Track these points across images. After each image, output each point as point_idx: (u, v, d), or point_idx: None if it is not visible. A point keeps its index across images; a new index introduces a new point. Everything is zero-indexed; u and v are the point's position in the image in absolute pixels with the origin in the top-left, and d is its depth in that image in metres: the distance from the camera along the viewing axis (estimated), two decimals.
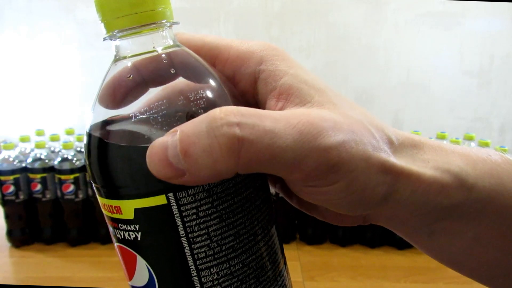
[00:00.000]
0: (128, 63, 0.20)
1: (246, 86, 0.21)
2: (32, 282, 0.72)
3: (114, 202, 0.19)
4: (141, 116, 0.18)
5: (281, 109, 0.19)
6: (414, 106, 1.83)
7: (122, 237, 0.20)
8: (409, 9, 1.59)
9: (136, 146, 0.18)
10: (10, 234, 0.83)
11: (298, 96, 0.19)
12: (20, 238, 0.84)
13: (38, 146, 0.82)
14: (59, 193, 0.81)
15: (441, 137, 0.91)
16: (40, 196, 0.82)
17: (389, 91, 1.82)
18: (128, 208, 0.19)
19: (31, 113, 1.79)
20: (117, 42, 0.20)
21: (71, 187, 0.80)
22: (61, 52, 1.75)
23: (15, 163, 0.81)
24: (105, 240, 0.85)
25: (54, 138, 0.87)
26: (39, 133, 0.91)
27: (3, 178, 0.80)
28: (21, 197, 0.81)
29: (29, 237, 0.84)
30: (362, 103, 1.83)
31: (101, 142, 0.19)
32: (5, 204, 0.82)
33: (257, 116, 0.17)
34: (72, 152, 0.81)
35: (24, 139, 0.86)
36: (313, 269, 0.76)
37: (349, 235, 0.85)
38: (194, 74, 0.20)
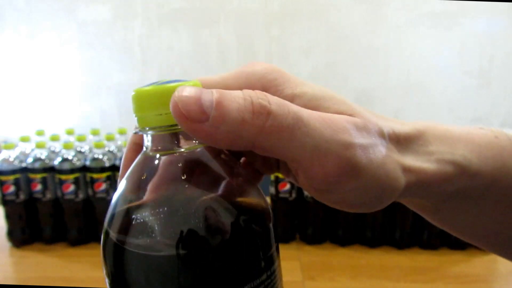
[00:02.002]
0: (155, 160, 0.21)
1: None
2: (32, 282, 0.73)
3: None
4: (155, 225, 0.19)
5: None
6: (414, 106, 1.83)
7: None
8: (409, 9, 1.59)
9: (143, 255, 0.18)
10: (10, 234, 0.83)
11: (316, 108, 0.19)
12: (20, 238, 0.84)
13: (38, 146, 0.82)
14: (59, 193, 0.81)
15: None
16: (40, 196, 0.82)
17: (389, 91, 1.82)
18: None
19: (31, 113, 1.79)
20: (148, 137, 0.21)
21: (71, 187, 0.80)
22: (61, 52, 1.75)
23: (15, 163, 0.81)
24: None
25: (54, 138, 0.87)
26: (39, 133, 0.91)
27: (3, 178, 0.80)
28: (21, 197, 0.81)
29: (29, 237, 0.84)
30: (362, 103, 1.82)
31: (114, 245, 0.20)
32: (5, 204, 0.82)
33: (283, 102, 0.17)
34: (72, 152, 0.81)
35: (24, 139, 0.86)
36: (313, 269, 0.76)
37: (349, 235, 0.85)
38: (208, 177, 0.20)
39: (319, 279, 0.73)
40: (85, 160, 0.82)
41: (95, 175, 0.80)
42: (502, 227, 0.24)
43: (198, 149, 0.21)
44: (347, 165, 0.18)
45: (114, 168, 0.82)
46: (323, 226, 0.85)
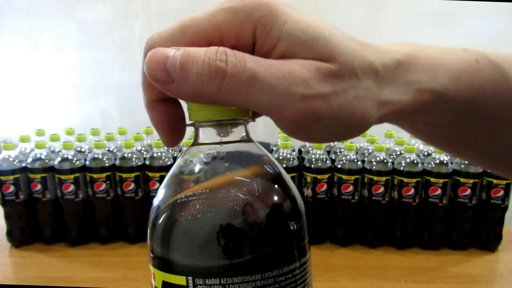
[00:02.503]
0: (200, 154, 0.23)
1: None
2: (32, 282, 0.72)
3: (152, 269, 0.22)
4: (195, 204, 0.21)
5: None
6: None
7: None
8: (409, 9, 1.59)
9: (178, 229, 0.21)
10: (10, 234, 0.83)
11: (295, 54, 0.20)
12: (20, 238, 0.84)
13: (38, 146, 0.82)
14: (59, 193, 0.81)
15: None
16: (40, 196, 0.82)
17: None
18: (158, 278, 0.22)
19: (31, 113, 1.79)
20: (198, 130, 0.23)
21: (71, 187, 0.80)
22: (61, 52, 1.75)
23: (15, 163, 0.81)
24: (105, 240, 0.85)
25: (54, 138, 0.87)
26: (39, 133, 0.91)
27: (3, 178, 0.80)
28: (21, 197, 0.81)
29: (29, 237, 0.84)
30: None
31: (161, 216, 0.22)
32: (5, 204, 0.82)
33: (242, 58, 0.19)
34: (72, 152, 0.81)
35: (24, 139, 0.86)
36: (313, 269, 0.76)
37: (349, 235, 0.85)
38: (248, 170, 0.23)
39: (319, 279, 0.73)
40: (85, 160, 0.82)
41: (95, 175, 0.80)
42: (475, 135, 0.26)
43: (242, 142, 0.23)
44: (304, 115, 0.19)
45: (114, 168, 0.82)
46: (323, 226, 0.85)
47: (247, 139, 0.24)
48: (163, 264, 0.21)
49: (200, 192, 0.21)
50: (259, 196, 0.22)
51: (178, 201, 0.22)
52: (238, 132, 0.23)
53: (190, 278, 0.20)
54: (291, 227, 0.22)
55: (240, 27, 0.19)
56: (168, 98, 0.22)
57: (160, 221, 0.22)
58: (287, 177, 0.24)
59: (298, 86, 0.19)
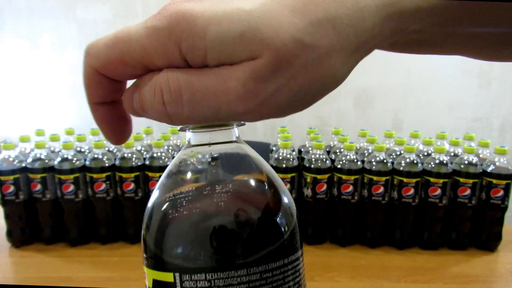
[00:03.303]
0: (191, 157, 0.24)
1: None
2: (32, 282, 0.73)
3: (145, 269, 0.24)
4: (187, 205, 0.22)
5: None
6: (414, 106, 1.83)
7: None
8: None
9: (165, 227, 0.22)
10: (10, 234, 0.83)
11: (225, 53, 0.18)
12: (20, 238, 0.84)
13: (38, 146, 0.82)
14: (59, 193, 0.81)
15: (441, 137, 0.91)
16: (40, 196, 0.82)
17: (389, 91, 1.82)
18: (150, 276, 0.23)
19: (31, 113, 1.79)
20: (189, 134, 0.25)
21: (71, 187, 0.80)
22: (61, 52, 1.75)
23: (15, 163, 0.81)
24: (105, 240, 0.85)
25: (54, 138, 0.87)
26: (39, 133, 0.91)
27: (3, 178, 0.80)
28: (21, 197, 0.81)
29: (29, 237, 0.84)
30: (362, 103, 1.83)
31: (152, 216, 0.24)
32: (5, 204, 0.82)
33: (178, 89, 0.19)
34: (72, 152, 0.81)
35: (24, 139, 0.86)
36: (313, 269, 0.76)
37: (349, 235, 0.85)
38: (238, 170, 0.24)
39: (319, 279, 0.73)
40: (85, 160, 0.82)
41: (95, 175, 0.80)
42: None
43: (233, 145, 0.24)
44: (263, 116, 0.20)
45: (114, 168, 0.82)
46: (323, 226, 0.85)
47: (237, 141, 0.24)
48: (153, 262, 0.22)
49: (186, 193, 0.22)
50: (245, 195, 0.22)
51: (166, 201, 0.22)
52: (228, 135, 0.24)
53: (177, 274, 0.21)
54: (279, 226, 0.22)
55: (165, 48, 0.18)
56: (110, 100, 0.23)
57: (150, 221, 0.23)
58: (276, 177, 0.24)
59: (237, 105, 0.19)
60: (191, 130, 0.24)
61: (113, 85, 0.22)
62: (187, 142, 0.25)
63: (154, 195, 0.24)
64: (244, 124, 0.24)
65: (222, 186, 0.22)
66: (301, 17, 0.18)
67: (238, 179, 0.23)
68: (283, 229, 0.22)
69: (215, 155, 0.23)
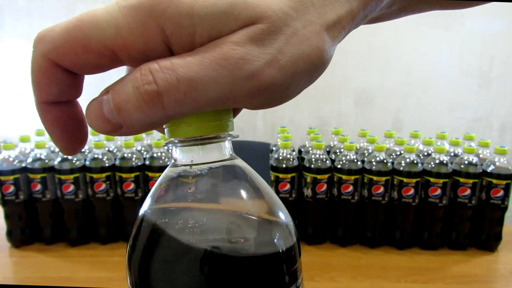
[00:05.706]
0: (175, 179, 0.22)
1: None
2: (32, 282, 0.72)
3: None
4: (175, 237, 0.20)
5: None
6: (414, 106, 1.83)
7: None
8: None
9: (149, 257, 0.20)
10: (10, 234, 0.83)
11: (219, 34, 0.18)
12: (20, 238, 0.84)
13: (38, 146, 0.82)
14: (59, 193, 0.81)
15: (441, 137, 0.91)
16: (40, 196, 0.82)
17: (389, 91, 1.82)
18: None
19: (31, 113, 1.79)
20: (175, 149, 0.21)
21: (71, 187, 0.80)
22: None
23: (15, 163, 0.81)
24: (105, 240, 0.85)
25: None
26: (39, 133, 0.91)
27: (3, 178, 0.80)
28: (21, 197, 0.81)
29: (29, 237, 0.84)
30: (362, 103, 1.83)
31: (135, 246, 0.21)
32: (5, 204, 0.82)
33: (170, 68, 0.17)
34: None
35: (24, 139, 0.86)
36: (313, 269, 0.76)
37: (349, 235, 0.85)
38: (235, 191, 0.21)
39: (319, 279, 0.73)
40: (85, 160, 0.82)
41: (94, 175, 0.80)
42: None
43: (223, 162, 0.21)
44: (260, 91, 0.18)
45: (114, 168, 0.82)
46: (323, 226, 0.85)
47: (229, 158, 0.22)
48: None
49: (171, 226, 0.20)
50: (239, 226, 0.20)
51: (152, 239, 0.20)
52: (218, 151, 0.21)
53: None
54: (278, 260, 0.20)
55: (144, 28, 0.17)
56: (64, 100, 0.19)
57: (135, 244, 0.21)
58: (274, 198, 0.22)
59: (239, 66, 0.17)
60: (178, 146, 0.21)
61: (69, 79, 0.19)
62: (172, 160, 0.22)
63: (139, 224, 0.22)
64: (237, 136, 0.21)
65: (211, 218, 0.20)
66: None
67: (230, 209, 0.21)
68: (282, 277, 0.20)
69: (200, 178, 0.21)
